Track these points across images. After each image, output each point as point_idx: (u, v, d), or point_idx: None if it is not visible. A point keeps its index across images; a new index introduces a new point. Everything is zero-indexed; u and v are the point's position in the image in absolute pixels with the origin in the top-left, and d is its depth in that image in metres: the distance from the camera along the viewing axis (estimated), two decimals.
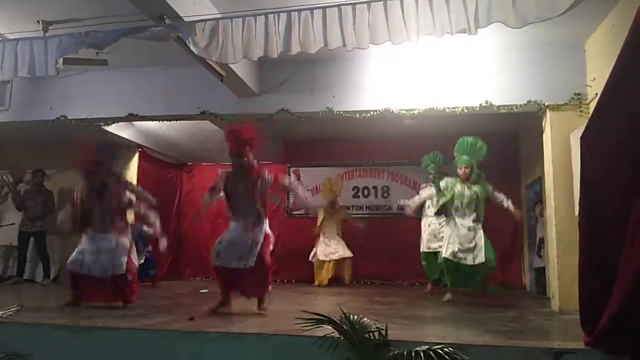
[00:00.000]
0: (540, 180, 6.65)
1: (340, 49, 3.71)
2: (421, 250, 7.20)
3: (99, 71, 6.26)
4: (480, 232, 5.69)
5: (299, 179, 9.48)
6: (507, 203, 5.83)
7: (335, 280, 8.10)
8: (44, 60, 4.11)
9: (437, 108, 5.69)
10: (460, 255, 5.62)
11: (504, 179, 8.16)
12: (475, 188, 5.79)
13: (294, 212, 9.41)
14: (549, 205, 5.55)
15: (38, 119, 6.64)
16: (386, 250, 8.42)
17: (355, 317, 3.08)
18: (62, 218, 5.12)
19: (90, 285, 4.85)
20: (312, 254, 8.29)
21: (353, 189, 9.27)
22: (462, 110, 5.66)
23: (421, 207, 7.11)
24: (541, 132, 5.71)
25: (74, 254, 4.92)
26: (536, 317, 4.76)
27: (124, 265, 4.86)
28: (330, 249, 8.12)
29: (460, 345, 2.91)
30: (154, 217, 5.53)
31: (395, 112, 5.80)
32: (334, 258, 8.08)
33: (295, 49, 3.71)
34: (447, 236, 5.82)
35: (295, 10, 3.75)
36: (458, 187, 5.83)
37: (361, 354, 2.89)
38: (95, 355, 3.51)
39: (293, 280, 8.63)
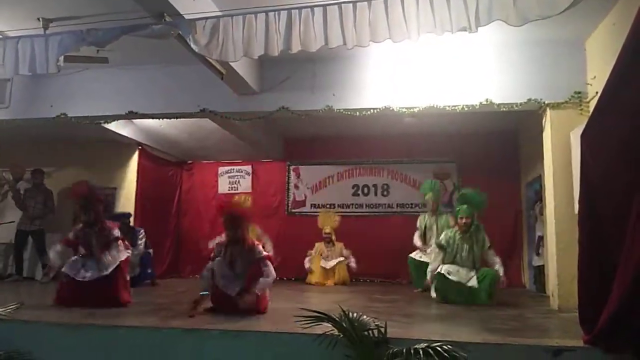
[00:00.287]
0: (540, 178, 6.66)
1: (341, 47, 3.70)
2: (411, 255, 7.25)
3: (100, 69, 6.26)
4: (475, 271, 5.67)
5: (298, 177, 9.51)
6: (499, 269, 5.68)
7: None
8: (45, 58, 4.11)
9: (437, 106, 5.69)
10: (451, 277, 5.60)
11: (503, 178, 8.23)
12: (474, 239, 5.75)
13: (294, 211, 9.43)
14: (549, 203, 5.55)
15: (38, 116, 6.64)
16: (386, 249, 8.42)
17: (355, 314, 3.09)
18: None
19: (82, 291, 4.77)
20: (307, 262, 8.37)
21: (353, 187, 9.28)
22: (462, 108, 5.66)
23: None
24: (541, 130, 5.72)
25: (71, 262, 4.90)
26: (535, 315, 4.76)
27: (114, 266, 4.81)
28: (327, 265, 8.20)
29: (460, 343, 2.92)
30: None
31: (395, 110, 5.80)
32: (327, 267, 8.16)
33: (295, 47, 3.71)
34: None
35: (295, 8, 3.74)
36: (457, 241, 5.78)
37: (360, 351, 2.90)
38: (94, 353, 3.52)
39: (292, 278, 8.63)
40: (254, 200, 8.65)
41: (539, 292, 6.83)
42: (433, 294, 5.77)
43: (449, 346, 2.72)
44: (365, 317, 3.13)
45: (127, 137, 7.98)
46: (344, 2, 3.64)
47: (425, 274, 6.14)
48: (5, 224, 8.21)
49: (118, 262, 4.89)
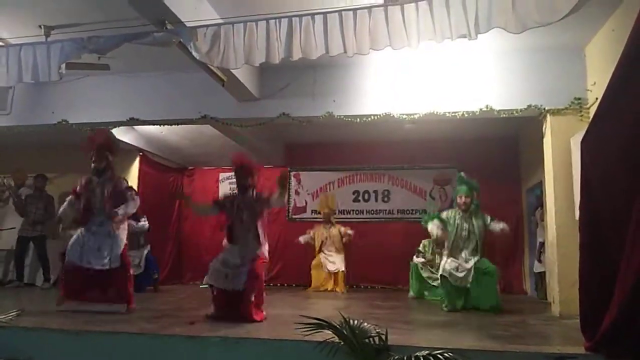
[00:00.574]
0: (541, 184, 6.65)
1: (341, 55, 3.72)
2: (414, 262, 7.28)
3: (101, 76, 6.29)
4: (473, 259, 5.65)
5: (299, 183, 9.51)
6: (503, 226, 5.78)
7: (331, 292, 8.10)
8: (47, 65, 4.13)
9: (437, 113, 5.70)
10: (455, 274, 5.60)
11: (504, 183, 8.22)
12: (474, 222, 5.76)
13: (295, 217, 9.42)
14: (550, 209, 5.55)
15: (40, 123, 6.67)
16: (387, 255, 8.41)
17: (356, 321, 3.08)
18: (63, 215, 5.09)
19: (88, 283, 4.80)
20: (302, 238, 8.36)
21: (353, 193, 9.28)
22: (463, 114, 5.67)
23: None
24: (541, 136, 5.72)
25: (72, 242, 4.86)
26: (537, 322, 4.75)
27: (120, 258, 4.81)
28: (329, 261, 8.15)
29: (461, 350, 2.91)
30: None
31: (395, 116, 5.81)
32: (331, 270, 8.12)
33: (296, 55, 3.72)
34: (444, 261, 5.79)
35: (296, 16, 3.76)
36: (457, 220, 5.80)
37: (361, 359, 2.89)
38: (96, 359, 3.52)
39: (293, 285, 8.62)
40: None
41: (540, 298, 6.81)
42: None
43: (450, 354, 2.71)
44: (366, 324, 3.12)
45: (128, 143, 7.98)
46: (344, 10, 3.66)
47: (425, 285, 6.12)
48: (6, 230, 8.22)
49: (124, 237, 4.94)
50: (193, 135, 8.22)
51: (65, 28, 5.05)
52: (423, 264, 7.23)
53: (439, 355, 2.68)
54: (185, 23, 4.28)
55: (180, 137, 8.41)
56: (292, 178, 9.53)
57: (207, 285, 4.61)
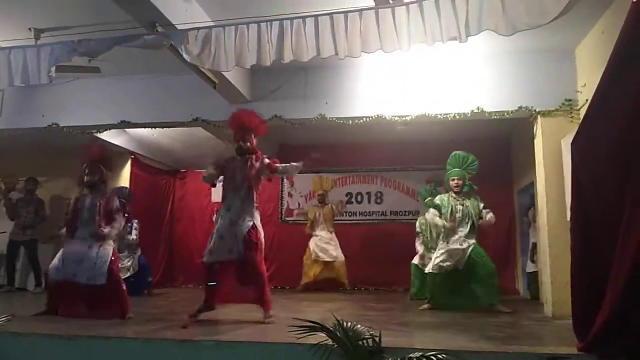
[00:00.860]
0: (533, 185, 6.68)
1: (333, 57, 3.72)
2: (414, 262, 7.27)
3: (92, 78, 6.25)
4: (470, 245, 5.68)
5: (292, 185, 9.50)
6: (490, 217, 5.84)
7: (330, 287, 8.07)
8: (37, 69, 4.10)
9: (429, 115, 5.72)
10: (446, 264, 5.62)
11: (496, 184, 8.24)
12: (468, 203, 5.81)
13: (288, 219, 9.41)
14: (542, 210, 5.58)
15: (30, 126, 6.62)
16: (381, 257, 8.42)
17: (349, 324, 3.07)
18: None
19: (74, 297, 4.73)
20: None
21: (347, 195, 9.29)
22: (454, 117, 5.69)
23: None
24: (533, 137, 5.75)
25: (55, 261, 4.83)
26: (530, 323, 4.77)
27: (107, 275, 4.71)
28: (321, 249, 8.12)
29: (455, 352, 2.91)
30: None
31: (388, 118, 5.83)
32: (326, 259, 8.07)
33: (288, 57, 3.72)
34: (437, 252, 5.83)
35: (288, 19, 3.76)
36: (451, 202, 5.85)
37: None
38: None
39: (287, 287, 8.60)
40: None
41: (533, 299, 6.84)
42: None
43: (444, 355, 2.71)
44: (359, 326, 3.10)
45: (119, 146, 7.95)
46: (335, 13, 3.66)
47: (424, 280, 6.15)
48: None
49: (111, 247, 4.88)
50: (185, 138, 8.20)
51: (55, 31, 5.02)
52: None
53: (432, 357, 2.68)
54: (176, 26, 4.27)
55: (172, 140, 8.39)
56: (285, 180, 9.52)
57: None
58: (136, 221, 7.51)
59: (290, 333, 3.07)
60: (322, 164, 9.24)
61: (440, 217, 5.87)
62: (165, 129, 6.78)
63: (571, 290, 3.21)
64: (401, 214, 9.02)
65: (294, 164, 4.79)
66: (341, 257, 8.12)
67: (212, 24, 4.46)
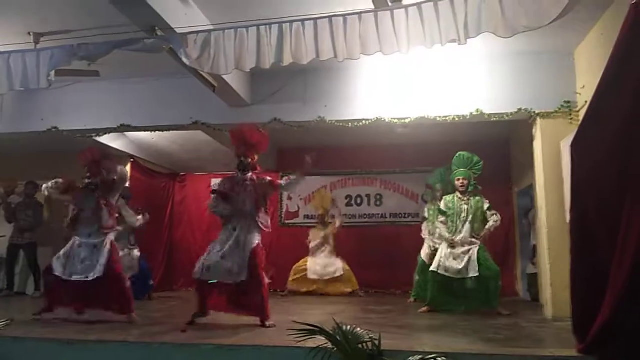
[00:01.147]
0: (533, 187, 6.68)
1: (332, 59, 3.73)
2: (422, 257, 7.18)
3: (91, 82, 6.25)
4: (476, 248, 5.67)
5: None
6: (492, 223, 5.84)
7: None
8: (37, 73, 4.11)
9: (428, 117, 5.72)
10: (449, 266, 5.61)
11: (495, 186, 8.22)
12: (473, 203, 5.81)
13: (287, 222, 9.40)
14: (541, 212, 5.58)
15: (29, 130, 6.62)
16: (380, 259, 8.41)
17: (349, 327, 3.06)
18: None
19: (74, 294, 4.73)
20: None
21: (346, 198, 9.27)
22: (454, 119, 5.70)
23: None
24: (532, 139, 5.75)
25: (58, 256, 4.83)
26: (529, 324, 4.76)
27: (104, 268, 4.71)
28: (321, 267, 8.09)
29: (454, 354, 2.91)
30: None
31: (387, 121, 5.83)
32: (325, 277, 8.03)
33: (287, 60, 3.73)
34: (440, 251, 5.83)
35: (287, 22, 3.76)
36: (456, 203, 5.86)
37: None
38: None
39: (285, 292, 8.56)
40: None
41: (534, 300, 6.83)
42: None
43: (443, 358, 2.71)
44: (359, 329, 3.09)
45: (118, 149, 7.94)
46: (334, 16, 3.67)
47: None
48: None
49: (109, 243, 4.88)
50: (184, 141, 8.19)
51: (54, 35, 5.01)
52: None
53: None
54: (175, 29, 4.27)
55: (171, 143, 8.38)
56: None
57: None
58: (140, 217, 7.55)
59: (289, 336, 3.06)
60: (319, 165, 9.28)
61: (445, 223, 5.87)
62: (164, 132, 6.76)
63: (570, 292, 3.22)
64: (400, 216, 9.02)
65: (293, 177, 4.80)
66: (340, 272, 8.03)
67: (211, 27, 4.47)
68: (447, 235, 5.84)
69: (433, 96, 5.74)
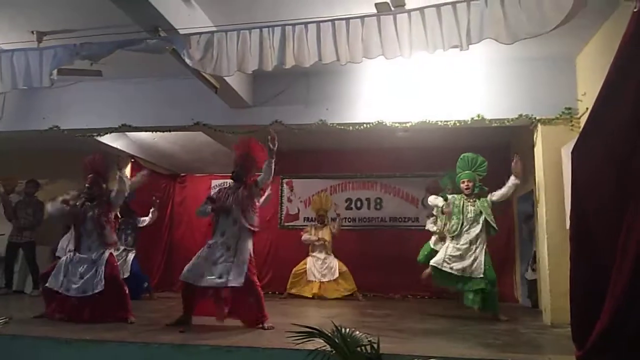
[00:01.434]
0: (532, 193, 6.68)
1: (334, 63, 3.74)
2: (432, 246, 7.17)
3: (93, 82, 6.26)
4: (482, 248, 5.65)
5: (291, 190, 9.51)
6: (511, 181, 5.79)
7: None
8: (39, 71, 4.11)
9: (429, 121, 5.73)
10: (452, 264, 5.61)
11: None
12: (479, 204, 5.80)
13: (287, 224, 9.40)
14: (541, 218, 5.58)
15: (30, 129, 6.63)
16: (379, 263, 8.40)
17: (347, 330, 3.07)
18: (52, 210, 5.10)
19: (73, 305, 4.70)
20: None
21: (346, 201, 9.28)
22: (454, 123, 5.71)
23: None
24: (533, 145, 5.76)
25: (56, 272, 4.81)
26: (528, 330, 4.76)
27: (103, 282, 4.69)
28: (317, 269, 8.09)
29: (452, 359, 2.91)
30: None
31: (388, 124, 5.84)
32: (322, 280, 8.03)
33: (289, 62, 3.73)
34: (445, 248, 5.82)
35: (289, 25, 3.77)
36: (463, 203, 5.84)
37: None
38: None
39: (285, 293, 8.56)
40: None
41: (534, 307, 6.82)
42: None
43: None
44: (357, 332, 3.10)
45: (119, 149, 7.95)
46: (337, 19, 3.67)
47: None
48: None
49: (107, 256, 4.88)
50: (185, 142, 8.20)
51: (57, 34, 5.03)
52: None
53: None
54: (178, 30, 4.28)
55: (172, 144, 8.39)
56: (285, 185, 9.53)
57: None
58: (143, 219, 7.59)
59: (288, 338, 3.06)
60: (321, 168, 9.29)
61: (442, 210, 5.92)
62: (165, 132, 6.77)
63: (570, 298, 3.21)
64: (400, 220, 9.01)
65: (265, 162, 4.72)
66: (336, 275, 8.02)
67: (214, 28, 4.48)
68: (434, 228, 5.83)
69: (434, 101, 5.76)
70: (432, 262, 5.78)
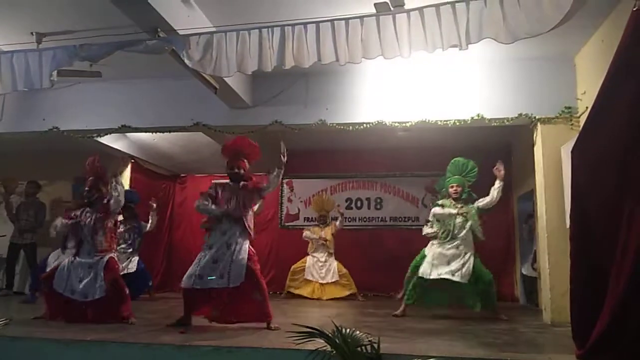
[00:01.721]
0: (533, 192, 6.69)
1: (334, 63, 3.74)
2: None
3: (93, 83, 6.26)
4: (470, 254, 5.61)
5: (292, 190, 9.51)
6: (497, 185, 5.74)
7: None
8: (39, 72, 4.11)
9: (429, 121, 5.73)
10: (439, 269, 5.57)
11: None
12: (466, 210, 5.77)
13: (287, 224, 9.41)
14: (541, 217, 5.58)
15: (30, 130, 6.63)
16: (380, 262, 8.40)
17: (348, 330, 3.07)
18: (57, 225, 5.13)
19: (74, 307, 4.72)
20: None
21: (346, 201, 9.28)
22: (454, 123, 5.71)
23: None
24: (532, 144, 5.76)
25: (59, 270, 4.81)
26: (528, 330, 4.76)
27: (103, 288, 4.70)
28: (316, 270, 8.08)
29: (453, 358, 2.92)
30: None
31: (388, 124, 5.84)
32: (319, 281, 8.03)
33: (289, 63, 3.73)
34: (431, 255, 5.74)
35: (289, 25, 3.77)
36: (452, 208, 5.80)
37: None
38: None
39: (284, 294, 8.56)
40: None
41: (533, 305, 6.82)
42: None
43: None
44: (358, 332, 3.10)
45: (119, 150, 7.95)
46: (336, 19, 3.67)
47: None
48: None
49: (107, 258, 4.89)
50: (185, 143, 8.19)
51: (57, 35, 5.03)
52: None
53: None
54: (178, 31, 4.28)
55: (172, 144, 8.39)
56: (285, 185, 9.52)
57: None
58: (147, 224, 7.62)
59: (288, 338, 3.07)
60: (321, 168, 9.29)
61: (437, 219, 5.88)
62: (165, 133, 6.77)
63: (570, 297, 3.22)
64: (400, 219, 9.02)
65: (273, 174, 4.74)
66: (336, 277, 8.00)
67: (213, 29, 4.48)
68: (429, 231, 5.86)
69: (434, 100, 5.75)
70: (419, 273, 5.69)
